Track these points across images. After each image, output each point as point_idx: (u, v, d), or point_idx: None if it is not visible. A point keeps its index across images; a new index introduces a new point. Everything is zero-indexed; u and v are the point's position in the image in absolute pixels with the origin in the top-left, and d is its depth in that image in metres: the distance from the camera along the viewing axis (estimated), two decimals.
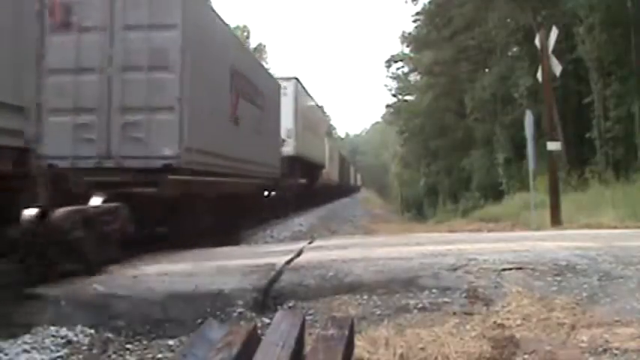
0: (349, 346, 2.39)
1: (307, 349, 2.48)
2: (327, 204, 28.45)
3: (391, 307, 3.67)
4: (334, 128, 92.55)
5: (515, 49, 23.16)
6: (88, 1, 6.65)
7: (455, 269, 4.17)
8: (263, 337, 2.38)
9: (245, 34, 49.36)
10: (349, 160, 58.88)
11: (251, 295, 3.86)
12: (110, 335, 3.49)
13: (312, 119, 22.36)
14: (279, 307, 3.72)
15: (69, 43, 6.35)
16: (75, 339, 3.39)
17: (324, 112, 27.47)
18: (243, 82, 9.60)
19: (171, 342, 3.44)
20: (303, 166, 19.51)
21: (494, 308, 3.56)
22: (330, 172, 30.33)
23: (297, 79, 18.45)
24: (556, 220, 10.23)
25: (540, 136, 11.95)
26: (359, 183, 67.57)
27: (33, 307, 3.74)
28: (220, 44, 8.47)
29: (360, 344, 2.97)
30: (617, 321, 3.28)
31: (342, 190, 44.29)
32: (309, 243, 6.58)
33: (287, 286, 4.04)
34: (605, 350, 2.92)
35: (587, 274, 4.03)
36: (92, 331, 3.49)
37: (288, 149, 16.09)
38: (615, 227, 8.54)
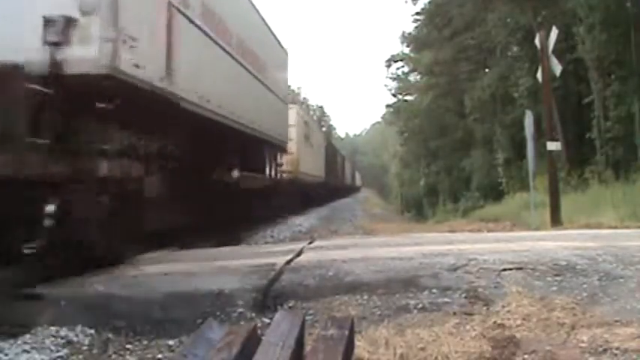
0: (349, 346, 2.39)
1: (307, 349, 2.48)
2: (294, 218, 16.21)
3: (391, 307, 3.67)
4: (334, 128, 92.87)
5: (515, 49, 23.19)
6: None
7: (455, 269, 4.17)
8: (263, 337, 2.38)
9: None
10: (342, 156, 45.15)
11: (251, 295, 3.86)
12: (110, 335, 3.49)
13: (224, 15, 8.39)
14: (279, 307, 3.71)
15: None
16: (75, 339, 3.39)
17: (277, 40, 13.86)
18: None
19: (171, 342, 3.44)
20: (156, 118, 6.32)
21: (494, 308, 3.56)
22: (304, 161, 19.18)
23: None
24: (556, 220, 10.24)
25: (540, 136, 11.96)
26: (358, 183, 67.04)
27: (33, 307, 3.74)
28: None
29: (360, 344, 2.97)
30: (617, 321, 3.28)
31: (332, 190, 32.10)
32: (309, 243, 6.58)
33: (287, 286, 4.03)
34: (605, 350, 2.92)
35: (587, 274, 4.03)
36: (92, 331, 3.48)
37: (78, 53, 4.63)
38: (615, 227, 8.54)
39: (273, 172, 13.67)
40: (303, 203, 20.39)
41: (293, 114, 17.68)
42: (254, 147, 11.51)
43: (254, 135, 10.77)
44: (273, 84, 12.83)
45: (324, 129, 57.06)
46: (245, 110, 9.74)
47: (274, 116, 13.05)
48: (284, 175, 15.88)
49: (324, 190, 27.53)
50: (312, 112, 65.53)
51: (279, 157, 14.67)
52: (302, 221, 15.87)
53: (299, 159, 18.19)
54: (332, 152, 32.26)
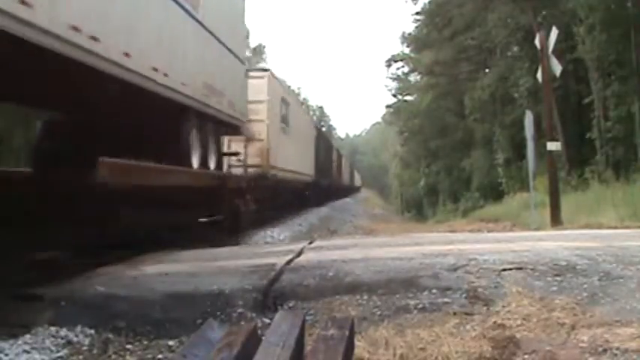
0: (349, 346, 2.39)
1: (307, 349, 2.48)
2: None
3: (391, 307, 3.67)
4: (334, 129, 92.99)
5: (515, 49, 23.21)
6: None
7: (455, 269, 4.17)
8: (263, 338, 2.38)
9: (245, 34, 49.39)
10: (339, 152, 37.31)
11: (251, 296, 3.86)
12: (110, 335, 3.49)
13: None
14: (279, 307, 3.71)
15: None
16: (75, 339, 3.39)
17: None
18: None
19: (171, 342, 3.44)
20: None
21: (494, 308, 3.56)
22: (280, 152, 14.33)
23: None
24: (556, 220, 10.25)
25: (540, 137, 11.97)
26: (358, 183, 66.83)
27: (33, 308, 3.74)
28: None
29: (360, 344, 2.97)
30: (617, 321, 3.28)
31: (326, 193, 25.69)
32: (309, 243, 6.57)
33: (287, 286, 4.03)
34: (605, 350, 2.92)
35: (587, 274, 4.03)
36: (92, 331, 3.48)
37: None
38: (615, 227, 8.54)
39: (212, 164, 8.79)
40: (280, 211, 15.07)
41: (263, 85, 12.73)
42: (166, 119, 6.87)
43: (166, 97, 6.48)
44: (216, 25, 8.14)
45: (324, 129, 56.83)
46: (149, 53, 5.97)
47: (217, 75, 8.39)
48: (249, 169, 11.89)
49: (314, 191, 21.32)
50: (312, 113, 65.52)
51: (230, 142, 10.92)
52: (302, 221, 15.89)
53: (270, 148, 13.16)
54: (325, 146, 25.82)
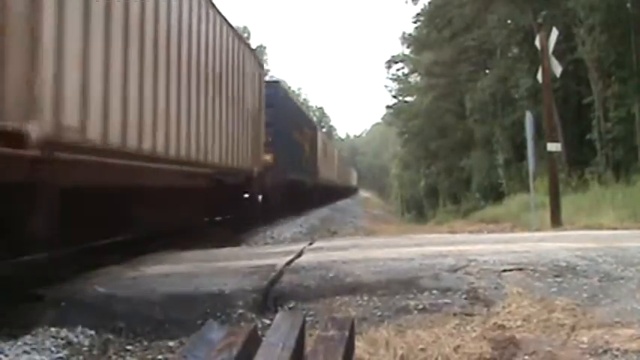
0: (350, 347, 2.39)
1: (308, 350, 2.48)
2: None
3: (391, 308, 3.67)
4: (335, 129, 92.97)
5: (515, 50, 23.18)
6: None
7: (455, 270, 4.17)
8: (263, 338, 2.38)
9: (245, 34, 49.54)
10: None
11: (251, 296, 3.85)
12: (110, 336, 3.49)
13: None
14: (279, 308, 3.71)
15: None
16: (75, 340, 3.39)
17: None
18: None
19: (171, 343, 3.44)
20: None
21: (494, 309, 3.56)
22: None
23: None
24: (556, 221, 10.23)
25: (540, 138, 11.95)
26: (354, 183, 66.38)
27: (33, 308, 3.74)
28: None
29: (360, 345, 2.97)
30: (617, 322, 3.28)
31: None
32: (310, 244, 6.57)
33: (287, 287, 4.03)
34: (605, 351, 2.91)
35: (587, 275, 4.03)
36: (92, 332, 3.48)
37: None
38: (615, 228, 8.53)
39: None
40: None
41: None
42: None
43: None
44: None
45: (324, 129, 56.63)
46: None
47: None
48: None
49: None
50: (312, 113, 65.37)
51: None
52: (302, 222, 15.89)
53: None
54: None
